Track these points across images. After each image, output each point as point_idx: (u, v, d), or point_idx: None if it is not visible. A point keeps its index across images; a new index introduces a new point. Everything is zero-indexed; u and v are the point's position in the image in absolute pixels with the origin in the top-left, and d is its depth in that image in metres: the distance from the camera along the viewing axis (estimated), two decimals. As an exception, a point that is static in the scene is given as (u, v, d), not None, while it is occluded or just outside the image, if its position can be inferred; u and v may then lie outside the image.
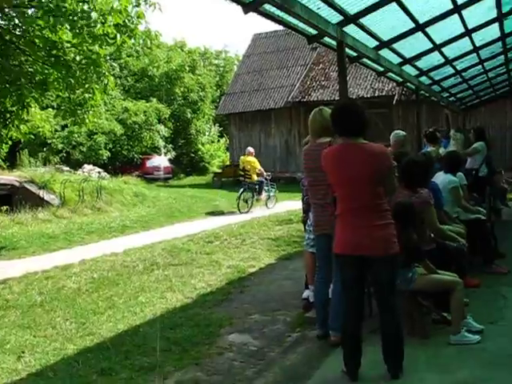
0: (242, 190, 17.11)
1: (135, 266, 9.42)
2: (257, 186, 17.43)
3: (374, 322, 4.96)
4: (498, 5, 7.76)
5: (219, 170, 31.97)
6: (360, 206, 4.25)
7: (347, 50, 6.61)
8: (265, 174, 17.76)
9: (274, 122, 27.66)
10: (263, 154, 27.46)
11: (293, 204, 15.82)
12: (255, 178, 17.36)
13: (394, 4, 6.45)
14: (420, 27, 7.46)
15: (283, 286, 7.63)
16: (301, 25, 5.87)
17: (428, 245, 5.76)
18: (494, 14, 8.17)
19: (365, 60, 7.73)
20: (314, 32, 6.14)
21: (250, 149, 18.23)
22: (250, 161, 17.52)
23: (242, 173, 17.42)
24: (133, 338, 5.84)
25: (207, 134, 40.96)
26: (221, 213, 17.36)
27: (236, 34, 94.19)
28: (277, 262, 9.36)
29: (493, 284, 7.11)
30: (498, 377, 4.38)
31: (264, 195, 17.83)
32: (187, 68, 36.45)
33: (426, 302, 5.73)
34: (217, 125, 43.32)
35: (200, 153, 37.83)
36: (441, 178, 7.54)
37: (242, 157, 18.35)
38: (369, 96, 23.56)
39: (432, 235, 6.07)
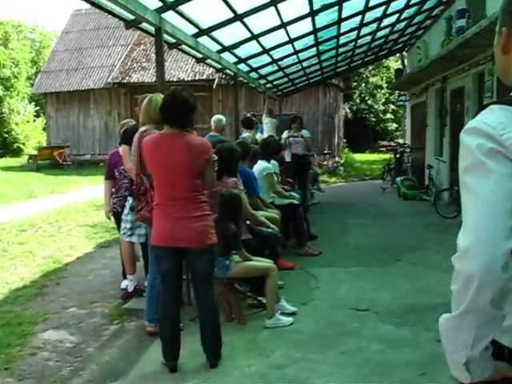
0: None
1: None
2: None
3: (194, 311, 5.03)
4: (310, 2, 8.14)
5: (35, 152, 30.23)
6: (177, 197, 4.22)
7: (166, 36, 6.54)
8: None
9: (94, 102, 26.70)
10: (82, 135, 26.57)
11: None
12: None
13: (213, -7, 6.51)
14: (238, 17, 7.60)
15: (101, 275, 7.47)
16: (118, 9, 5.69)
17: (244, 234, 5.95)
18: (306, 9, 8.56)
19: (184, 46, 7.71)
20: (131, 17, 5.99)
21: None
22: None
23: None
24: None
25: (22, 113, 38.52)
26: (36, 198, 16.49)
27: (54, 8, 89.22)
28: (95, 250, 9.10)
29: (306, 265, 7.56)
30: (307, 356, 4.64)
31: None
32: (-1, 41, 34.02)
33: (243, 287, 5.94)
34: (33, 104, 40.93)
35: (14, 133, 35.46)
36: (257, 165, 7.81)
37: None
38: (189, 79, 23.58)
39: (248, 222, 6.27)
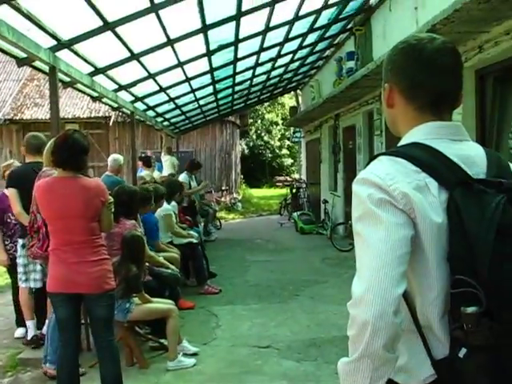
0: None
1: None
2: None
3: (93, 356, 4.86)
4: (207, 42, 8.30)
5: None
6: (73, 241, 4.07)
7: (60, 75, 6.42)
8: None
9: (-18, 139, 25.43)
10: (-31, 174, 25.18)
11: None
12: None
13: (109, 33, 6.46)
14: (135, 56, 7.60)
15: None
16: (8, 46, 5.53)
17: (144, 276, 5.89)
18: (203, 49, 8.70)
19: (79, 85, 7.60)
20: (23, 55, 5.83)
21: None
22: None
23: None
24: None
25: None
26: None
27: None
28: (-16, 296, 8.49)
29: (206, 304, 7.56)
30: (211, 398, 4.63)
31: None
32: None
33: (143, 329, 5.85)
34: None
35: None
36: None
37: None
38: (85, 116, 22.98)
39: (147, 264, 6.20)
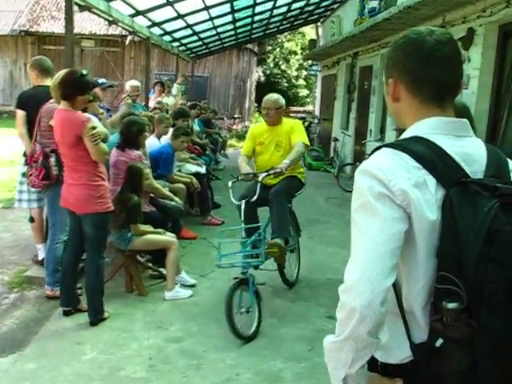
0: None
1: None
2: None
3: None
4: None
5: None
6: (68, 165, 4.68)
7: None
8: None
9: (-3, 49, 25.11)
10: (-17, 85, 24.95)
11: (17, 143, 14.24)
12: None
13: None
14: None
15: (1, 239, 7.13)
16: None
17: (148, 206, 6.04)
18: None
19: (95, 10, 7.54)
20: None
21: None
22: None
23: None
24: None
25: None
26: None
27: None
28: (-5, 211, 8.57)
29: (208, 235, 7.65)
30: (204, 330, 4.84)
31: None
32: None
33: (144, 258, 6.05)
34: None
35: None
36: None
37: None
38: (101, 33, 22.69)
39: (152, 195, 6.33)
